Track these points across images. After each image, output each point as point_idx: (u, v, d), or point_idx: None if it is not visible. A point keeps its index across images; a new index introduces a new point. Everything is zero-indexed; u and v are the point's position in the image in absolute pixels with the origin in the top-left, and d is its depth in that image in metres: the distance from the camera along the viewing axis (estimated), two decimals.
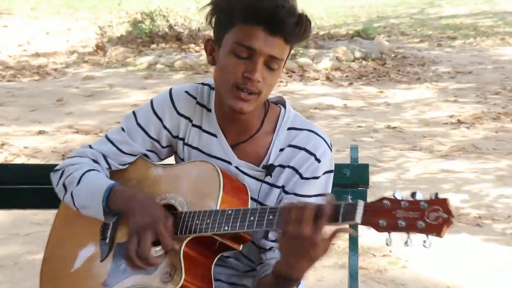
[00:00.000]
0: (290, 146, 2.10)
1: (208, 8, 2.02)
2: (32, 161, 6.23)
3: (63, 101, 8.68)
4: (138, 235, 1.97)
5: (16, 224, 4.94)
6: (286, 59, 2.04)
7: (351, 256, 2.47)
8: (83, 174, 2.14)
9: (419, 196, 1.71)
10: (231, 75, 1.98)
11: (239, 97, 1.98)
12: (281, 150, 2.10)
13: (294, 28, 1.93)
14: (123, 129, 2.19)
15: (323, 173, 2.09)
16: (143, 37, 12.27)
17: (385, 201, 1.73)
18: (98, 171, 2.17)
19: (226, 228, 1.91)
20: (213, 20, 2.02)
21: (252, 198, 2.07)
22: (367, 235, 4.57)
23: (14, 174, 2.54)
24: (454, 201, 5.18)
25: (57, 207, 2.30)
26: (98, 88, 9.53)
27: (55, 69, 10.86)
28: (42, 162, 6.10)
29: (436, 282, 4.17)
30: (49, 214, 2.39)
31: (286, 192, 2.07)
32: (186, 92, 2.17)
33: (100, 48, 12.02)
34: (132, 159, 2.20)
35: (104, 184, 2.10)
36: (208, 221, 1.94)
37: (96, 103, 8.63)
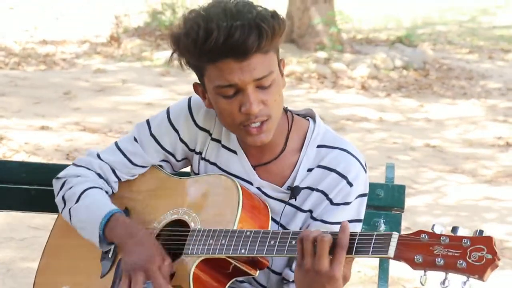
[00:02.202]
0: (319, 166, 2.08)
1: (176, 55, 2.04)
2: (33, 158, 6.27)
3: (70, 94, 8.73)
4: (129, 276, 1.98)
5: (12, 227, 4.97)
6: (279, 62, 2.03)
7: (380, 286, 2.46)
8: (84, 191, 2.16)
9: (461, 232, 1.69)
10: (230, 118, 2.00)
11: (251, 133, 2.00)
12: (309, 170, 2.09)
13: (260, 38, 1.92)
14: (135, 139, 2.20)
15: (356, 197, 2.07)
16: (162, 30, 12.31)
17: (422, 235, 1.71)
18: (101, 188, 2.18)
19: (243, 251, 1.91)
20: (187, 65, 2.04)
21: (273, 219, 2.06)
22: (398, 264, 4.55)
23: (13, 172, 2.55)
24: (498, 232, 5.13)
25: (57, 211, 2.31)
26: (110, 83, 9.57)
27: (64, 59, 10.94)
28: (44, 161, 6.13)
29: None
30: (47, 219, 2.41)
31: (314, 219, 2.06)
32: None
33: (114, 39, 12.08)
34: (143, 170, 2.22)
35: (104, 209, 2.11)
36: (223, 241, 1.93)
37: (107, 99, 8.67)
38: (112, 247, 2.12)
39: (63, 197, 2.19)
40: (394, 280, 4.40)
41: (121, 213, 2.12)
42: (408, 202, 5.72)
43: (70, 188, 2.18)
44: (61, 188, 2.20)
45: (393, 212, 2.46)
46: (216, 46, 1.90)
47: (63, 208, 2.19)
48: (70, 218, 2.16)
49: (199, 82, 2.07)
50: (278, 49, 2.02)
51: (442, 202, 5.93)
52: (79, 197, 2.15)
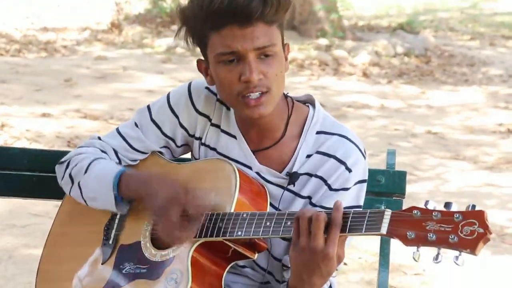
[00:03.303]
0: (318, 152, 2.08)
1: (183, 32, 2.04)
2: (34, 145, 6.28)
3: (71, 81, 8.73)
4: (164, 213, 1.97)
5: (14, 214, 4.98)
6: (283, 42, 2.03)
7: (381, 272, 2.46)
8: (90, 163, 2.16)
9: (453, 207, 1.70)
10: (229, 86, 1.99)
11: (249, 105, 1.99)
12: (308, 156, 2.09)
13: (265, 5, 1.92)
14: (136, 124, 2.21)
15: (355, 184, 2.07)
16: (163, 17, 12.31)
17: (415, 211, 1.72)
18: (106, 159, 2.19)
19: (239, 233, 1.92)
20: (192, 40, 2.04)
21: (272, 205, 2.06)
22: (399, 251, 4.56)
23: (14, 159, 2.56)
24: (498, 219, 5.14)
25: (60, 198, 2.32)
26: (111, 70, 9.57)
27: (65, 46, 10.93)
28: (45, 148, 6.14)
29: None
30: (49, 206, 2.41)
31: (313, 205, 2.06)
32: (207, 88, 2.17)
33: (115, 26, 12.08)
34: (143, 156, 2.22)
35: (113, 171, 2.11)
36: (220, 224, 1.94)
37: (108, 86, 8.67)
38: (113, 234, 2.13)
39: (70, 175, 2.18)
40: (395, 266, 4.40)
41: (129, 170, 2.13)
42: (409, 188, 5.72)
43: (76, 165, 2.18)
44: (66, 169, 2.21)
45: (394, 198, 2.46)
46: (220, 9, 1.91)
47: (72, 186, 2.19)
48: (81, 193, 2.16)
49: (203, 59, 2.07)
50: (282, 26, 2.03)
51: (443, 189, 5.94)
52: (87, 169, 2.15)
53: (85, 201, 2.17)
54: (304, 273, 1.84)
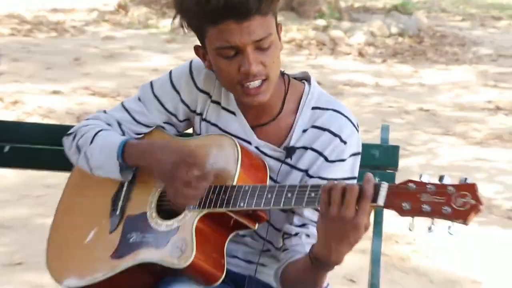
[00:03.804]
0: (313, 127, 2.09)
1: (178, 19, 2.02)
2: (46, 121, 6.29)
3: (80, 60, 8.72)
4: (172, 176, 1.97)
5: (27, 185, 5.01)
6: (277, 25, 2.02)
7: (375, 241, 2.48)
8: (96, 133, 2.16)
9: (446, 180, 1.71)
10: (229, 76, 1.99)
11: (249, 93, 1.99)
12: (304, 131, 2.09)
13: (260, 1, 1.90)
14: (139, 99, 2.21)
15: (350, 156, 2.07)
16: None
17: (410, 184, 1.73)
18: (110, 130, 2.20)
19: (242, 204, 1.92)
20: (188, 27, 2.02)
21: (270, 178, 2.07)
22: (391, 222, 4.58)
23: (27, 134, 2.57)
24: (487, 191, 5.16)
25: (70, 170, 2.33)
26: (118, 49, 9.56)
27: (74, 27, 10.90)
28: (56, 123, 6.15)
29: (461, 276, 4.17)
30: (61, 177, 2.42)
31: (310, 176, 2.06)
32: None
33: (122, 7, 12.03)
34: (147, 130, 2.22)
35: (117, 140, 2.12)
36: (223, 196, 1.95)
37: (115, 65, 8.66)
38: (120, 203, 2.15)
39: (77, 145, 2.19)
40: (387, 236, 4.43)
41: (133, 139, 2.14)
42: (402, 162, 5.72)
43: (82, 135, 2.18)
44: (73, 140, 2.21)
45: (387, 171, 2.47)
46: (218, 7, 1.89)
47: (79, 156, 2.19)
48: (88, 161, 2.16)
49: (200, 45, 2.07)
50: (276, 12, 2.01)
51: (434, 163, 5.95)
52: (92, 139, 2.15)
53: (91, 169, 2.17)
54: (332, 241, 1.82)
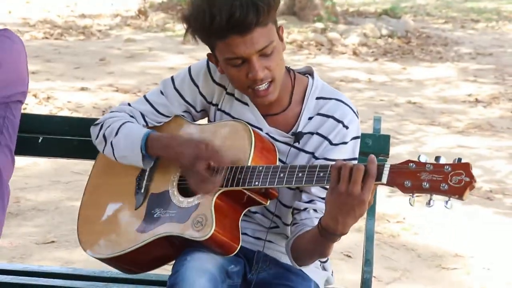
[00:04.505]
0: (318, 114, 2.09)
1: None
2: (75, 115, 6.29)
3: (105, 60, 8.71)
4: (192, 168, 1.97)
5: (58, 172, 5.01)
6: (278, 29, 2.01)
7: (368, 220, 2.46)
8: (121, 125, 2.15)
9: (443, 160, 1.70)
10: (239, 81, 2.01)
11: (259, 95, 2.01)
12: (310, 118, 2.09)
13: (258, 15, 1.90)
14: (161, 92, 2.20)
15: (351, 139, 2.08)
16: (182, 4, 12.22)
17: (410, 164, 1.72)
18: (134, 122, 2.18)
19: (256, 183, 1.91)
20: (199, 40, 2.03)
21: (280, 160, 2.06)
22: (384, 203, 4.57)
23: (58, 126, 2.56)
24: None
25: (95, 158, 2.32)
26: (138, 50, 9.54)
27: (99, 31, 10.88)
28: (84, 116, 6.14)
29: (445, 250, 4.16)
30: (88, 165, 2.41)
31: (316, 158, 2.06)
32: None
33: (142, 13, 12.01)
34: (167, 119, 2.21)
35: (141, 133, 2.11)
36: (239, 176, 1.94)
37: (136, 64, 8.65)
38: (145, 178, 2.13)
39: (103, 135, 2.18)
40: (380, 215, 4.41)
41: (155, 132, 2.13)
42: (393, 150, 5.71)
43: (109, 126, 2.18)
44: (100, 130, 2.20)
45: (379, 158, 2.45)
46: (221, 27, 1.90)
47: (105, 145, 2.18)
48: (113, 151, 2.16)
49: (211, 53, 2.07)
50: (275, 19, 2.00)
51: (421, 150, 5.92)
52: (118, 131, 2.15)
53: (116, 158, 2.16)
54: (339, 215, 1.82)
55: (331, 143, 2.06)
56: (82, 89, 7.29)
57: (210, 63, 2.15)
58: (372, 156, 1.79)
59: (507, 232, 4.46)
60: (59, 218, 4.30)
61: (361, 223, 2.34)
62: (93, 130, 2.24)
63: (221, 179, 1.95)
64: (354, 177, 1.76)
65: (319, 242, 1.92)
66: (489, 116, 7.10)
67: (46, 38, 10.07)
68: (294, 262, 2.04)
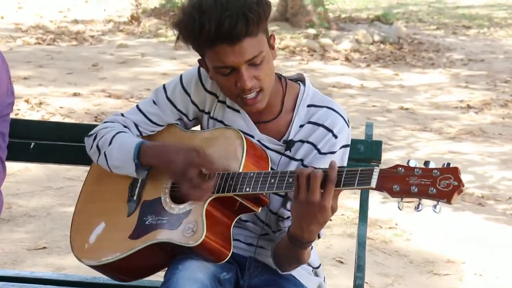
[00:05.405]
0: (309, 122, 2.09)
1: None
2: (67, 120, 6.27)
3: (98, 66, 8.69)
4: (184, 176, 1.96)
5: (50, 178, 4.99)
6: (269, 38, 2.00)
7: (360, 225, 2.46)
8: (114, 136, 2.15)
9: (432, 165, 1.71)
10: (228, 90, 2.01)
11: (247, 103, 2.01)
12: (301, 126, 2.09)
13: (247, 26, 1.89)
14: (154, 102, 2.20)
15: (340, 148, 2.08)
16: (175, 10, 12.21)
17: (399, 168, 1.72)
18: (127, 132, 2.18)
19: (247, 189, 1.91)
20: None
21: (271, 169, 2.06)
22: (376, 208, 4.57)
23: (50, 132, 2.55)
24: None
25: (88, 164, 2.31)
26: (131, 56, 9.53)
27: (92, 36, 10.87)
28: (76, 122, 6.13)
29: (437, 255, 4.16)
30: (80, 171, 2.41)
31: (305, 166, 2.06)
32: None
33: (134, 19, 12.00)
34: (160, 128, 2.21)
35: (133, 142, 2.11)
36: (231, 182, 1.94)
37: (129, 70, 8.64)
38: (137, 188, 2.13)
39: (97, 146, 2.18)
40: (372, 221, 4.42)
41: (147, 141, 2.12)
42: (385, 156, 5.72)
43: (102, 137, 2.18)
44: (93, 141, 2.20)
45: (371, 164, 2.45)
46: (210, 36, 1.90)
47: (99, 156, 2.18)
48: (107, 161, 2.15)
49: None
50: (266, 28, 2.00)
51: (413, 156, 5.93)
52: (111, 141, 2.14)
53: (110, 168, 2.16)
54: (303, 222, 1.83)
55: (319, 152, 2.06)
56: (75, 94, 7.27)
57: (201, 71, 2.15)
58: (334, 162, 1.80)
59: (499, 238, 4.47)
60: (51, 224, 4.28)
61: (353, 228, 2.34)
62: (87, 141, 2.24)
63: (213, 186, 1.95)
64: (312, 184, 1.78)
65: (291, 250, 1.94)
66: (481, 122, 7.12)
67: (39, 43, 10.04)
68: (277, 269, 2.06)
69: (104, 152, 2.15)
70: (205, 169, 1.96)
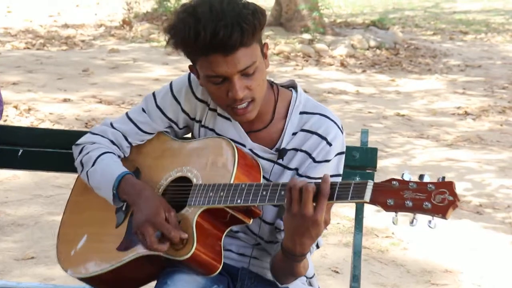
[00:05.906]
0: (302, 130, 2.07)
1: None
2: (57, 127, 6.25)
3: (88, 71, 8.68)
4: (141, 231, 1.97)
5: (39, 185, 4.97)
6: (262, 47, 1.99)
7: (356, 235, 2.45)
8: (99, 156, 2.14)
9: (426, 179, 1.70)
10: (219, 99, 2.00)
11: (237, 113, 2.00)
12: (294, 134, 2.08)
13: (242, 36, 1.89)
14: (143, 110, 2.19)
15: (335, 155, 2.06)
16: (167, 15, 12.22)
17: (393, 182, 1.71)
18: (114, 153, 2.17)
19: (239, 201, 1.90)
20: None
21: (264, 177, 2.05)
22: (372, 217, 4.57)
23: (39, 138, 2.54)
24: (457, 189, 5.12)
25: (77, 171, 2.30)
26: (123, 61, 9.52)
27: (83, 41, 10.86)
28: (66, 128, 6.11)
29: (435, 265, 4.16)
30: (70, 178, 2.40)
31: (300, 175, 2.05)
32: None
33: (126, 23, 11.99)
34: (151, 136, 2.21)
35: (115, 172, 2.10)
36: (222, 193, 1.92)
37: (120, 75, 8.62)
38: (124, 204, 2.12)
39: (81, 161, 2.18)
40: (368, 230, 4.41)
41: (130, 175, 2.11)
42: (380, 163, 5.74)
43: (87, 153, 2.16)
44: (79, 154, 2.19)
45: (367, 171, 2.45)
46: (204, 44, 1.89)
47: (82, 171, 2.18)
48: (88, 180, 2.16)
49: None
50: (260, 38, 1.99)
51: (409, 163, 5.93)
52: (95, 161, 2.14)
53: (90, 186, 2.16)
54: (296, 235, 1.83)
55: (314, 160, 2.05)
56: (65, 100, 7.25)
57: (192, 78, 2.14)
58: (326, 175, 1.80)
59: (497, 247, 4.47)
60: (39, 233, 4.26)
61: (349, 238, 2.33)
62: (74, 150, 2.24)
63: (166, 247, 1.93)
64: (304, 198, 1.77)
65: (285, 262, 1.94)
66: (478, 129, 7.13)
67: (28, 48, 10.03)
68: (276, 281, 2.05)
69: (87, 171, 2.16)
70: (164, 232, 1.94)
